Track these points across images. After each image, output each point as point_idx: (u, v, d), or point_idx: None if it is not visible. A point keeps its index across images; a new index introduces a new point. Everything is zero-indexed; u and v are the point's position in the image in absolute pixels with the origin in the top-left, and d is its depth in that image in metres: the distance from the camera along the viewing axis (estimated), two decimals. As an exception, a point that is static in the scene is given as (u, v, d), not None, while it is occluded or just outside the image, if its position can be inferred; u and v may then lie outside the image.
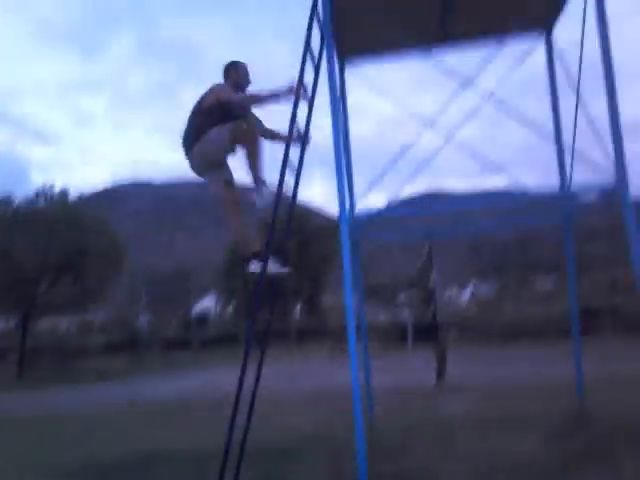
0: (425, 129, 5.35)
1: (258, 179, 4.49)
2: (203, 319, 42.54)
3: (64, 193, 25.89)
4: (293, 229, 5.66)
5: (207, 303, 50.75)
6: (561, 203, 5.93)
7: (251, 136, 4.46)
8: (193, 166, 4.63)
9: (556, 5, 5.42)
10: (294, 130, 4.65)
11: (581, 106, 5.19)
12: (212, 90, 4.53)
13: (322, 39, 5.14)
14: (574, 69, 5.32)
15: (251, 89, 4.67)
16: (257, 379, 4.42)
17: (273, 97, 4.47)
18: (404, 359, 17.88)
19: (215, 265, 41.31)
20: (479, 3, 5.31)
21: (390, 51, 5.95)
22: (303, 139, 5.09)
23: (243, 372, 3.90)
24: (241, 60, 4.81)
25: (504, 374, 10.71)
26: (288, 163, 4.63)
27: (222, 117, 4.42)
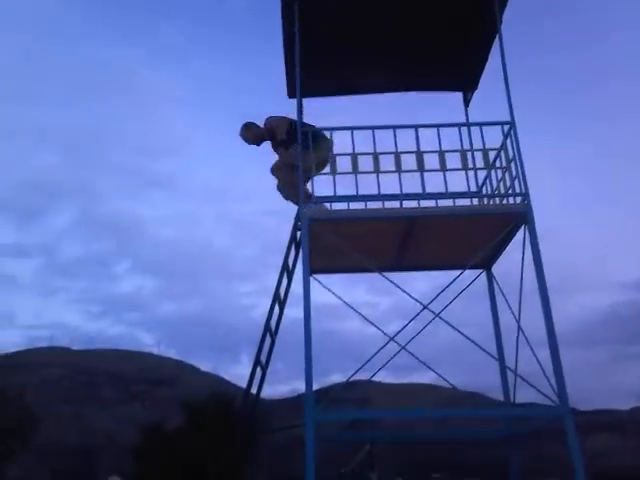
0: (366, 326, 6.01)
1: None
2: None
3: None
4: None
5: (112, 487, 46.25)
6: (506, 424, 6.46)
7: None
8: None
9: (496, 251, 6.43)
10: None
11: (522, 332, 5.93)
12: None
13: (296, 257, 6.03)
14: (514, 297, 6.16)
15: None
16: None
17: None
18: None
19: (125, 443, 38.70)
20: (431, 246, 6.35)
21: (351, 271, 6.94)
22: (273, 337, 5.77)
23: None
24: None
25: None
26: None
27: None
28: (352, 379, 5.99)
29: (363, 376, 6.25)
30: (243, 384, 5.82)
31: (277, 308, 5.97)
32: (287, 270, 6.00)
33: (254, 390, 5.80)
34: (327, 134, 6.20)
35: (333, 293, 6.26)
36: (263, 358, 5.73)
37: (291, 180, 6.22)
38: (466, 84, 7.34)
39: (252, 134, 6.53)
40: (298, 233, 5.95)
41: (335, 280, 7.07)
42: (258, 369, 5.66)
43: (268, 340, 5.86)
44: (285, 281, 6.05)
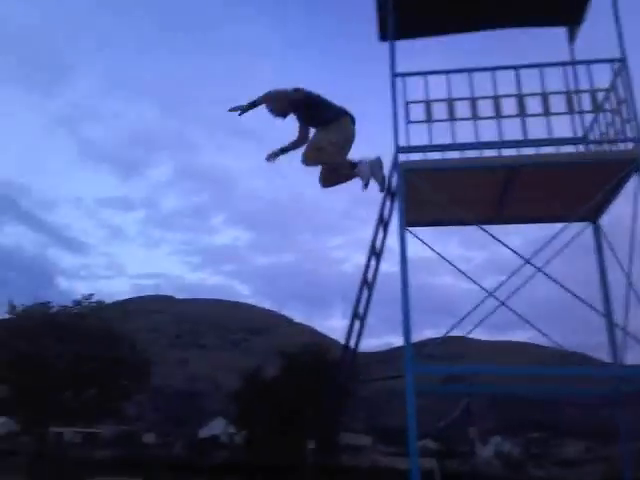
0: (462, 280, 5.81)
1: None
2: (211, 444, 41.11)
3: (100, 305, 26.62)
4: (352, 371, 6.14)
5: (216, 427, 49.19)
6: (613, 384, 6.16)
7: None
8: None
9: (604, 202, 5.99)
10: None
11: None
12: None
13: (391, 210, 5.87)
14: (622, 252, 5.74)
15: None
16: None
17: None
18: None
19: (226, 388, 40.92)
20: (533, 197, 6.01)
21: (446, 224, 6.71)
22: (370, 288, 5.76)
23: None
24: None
25: None
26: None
27: None
28: (445, 335, 5.89)
29: (456, 332, 6.14)
30: (335, 335, 5.88)
31: (373, 261, 5.92)
32: (383, 222, 5.89)
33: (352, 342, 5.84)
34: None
35: (429, 247, 6.11)
36: (361, 310, 5.72)
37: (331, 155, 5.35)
38: (571, 17, 6.65)
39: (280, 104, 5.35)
40: (393, 184, 5.81)
41: (426, 233, 6.84)
42: (356, 321, 5.66)
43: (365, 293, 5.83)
44: (381, 234, 5.96)
